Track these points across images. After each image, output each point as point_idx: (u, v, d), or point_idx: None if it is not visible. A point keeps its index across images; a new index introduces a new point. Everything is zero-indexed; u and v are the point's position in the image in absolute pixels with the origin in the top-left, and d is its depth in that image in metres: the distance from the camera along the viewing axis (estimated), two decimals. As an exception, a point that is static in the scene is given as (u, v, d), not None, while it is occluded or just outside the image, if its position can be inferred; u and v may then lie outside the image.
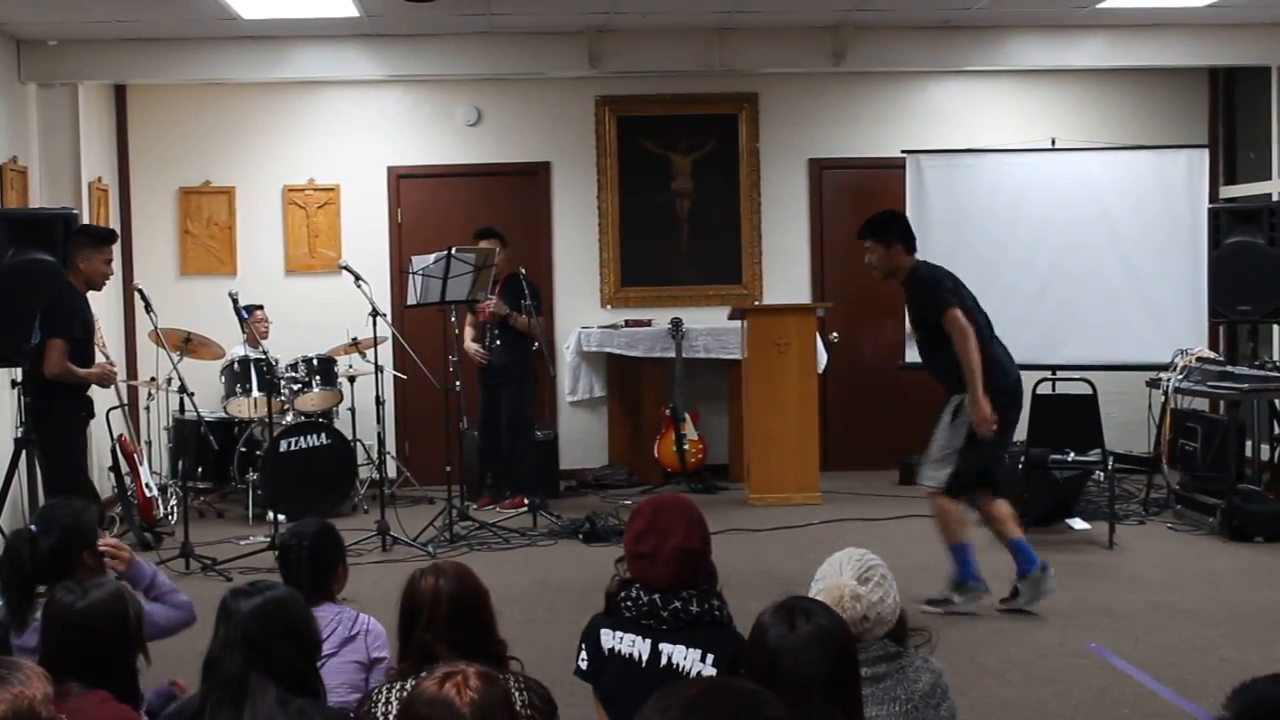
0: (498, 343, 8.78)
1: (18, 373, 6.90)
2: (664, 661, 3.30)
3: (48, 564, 3.77)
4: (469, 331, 9.00)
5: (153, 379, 8.72)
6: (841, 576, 2.97)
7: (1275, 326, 9.32)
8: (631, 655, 3.34)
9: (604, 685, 3.42)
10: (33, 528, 3.89)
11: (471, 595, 3.13)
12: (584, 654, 3.45)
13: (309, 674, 2.89)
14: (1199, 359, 8.22)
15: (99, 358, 6.83)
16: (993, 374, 6.00)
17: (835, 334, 9.91)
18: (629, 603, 3.37)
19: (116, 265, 7.39)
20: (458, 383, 8.04)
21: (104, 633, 3.06)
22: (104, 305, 8.81)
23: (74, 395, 6.65)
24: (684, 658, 3.29)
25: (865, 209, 10.13)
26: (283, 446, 8.36)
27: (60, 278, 6.70)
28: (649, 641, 3.33)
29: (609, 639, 3.40)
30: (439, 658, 3.03)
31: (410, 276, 8.06)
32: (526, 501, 8.52)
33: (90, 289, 6.80)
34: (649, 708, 1.90)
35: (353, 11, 8.15)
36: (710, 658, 3.28)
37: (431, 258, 7.89)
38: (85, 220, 8.43)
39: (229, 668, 2.78)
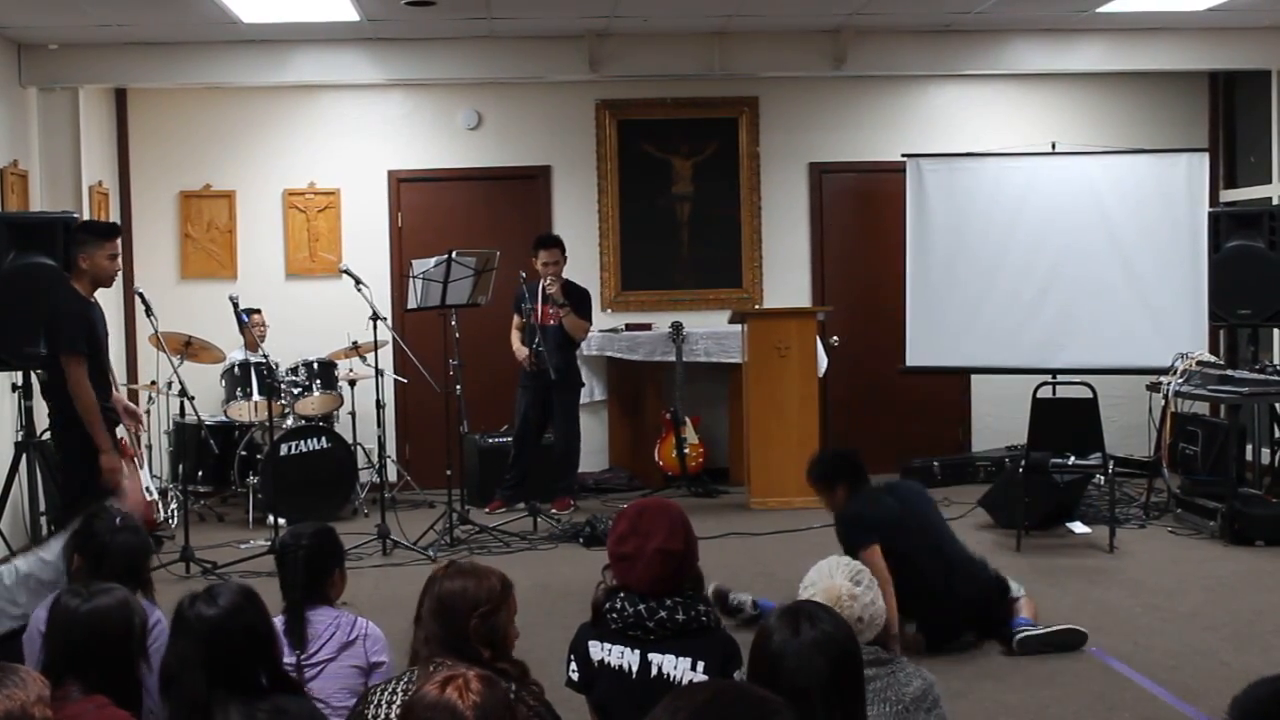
0: (541, 349, 8.60)
1: (18, 376, 6.89)
2: (654, 672, 3.30)
3: (118, 554, 3.83)
4: (515, 335, 8.99)
5: (153, 383, 8.73)
6: (834, 579, 3.05)
7: (1275, 330, 9.32)
8: (621, 667, 3.33)
9: (596, 696, 3.41)
10: (118, 519, 3.97)
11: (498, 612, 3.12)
12: (573, 665, 3.44)
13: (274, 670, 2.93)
14: (1199, 363, 8.21)
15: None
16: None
17: (836, 338, 9.90)
18: (614, 614, 3.36)
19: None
20: (458, 386, 8.03)
21: (107, 638, 3.06)
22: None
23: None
24: (674, 667, 3.28)
25: (866, 212, 10.29)
26: (283, 450, 8.36)
27: (61, 285, 6.47)
28: (638, 652, 3.32)
29: (597, 650, 3.38)
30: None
31: (410, 280, 8.07)
32: (573, 503, 8.85)
33: (98, 287, 6.43)
34: (660, 710, 1.90)
35: (353, 15, 8.15)
36: (700, 665, 3.28)
37: (432, 261, 7.90)
38: (86, 224, 8.43)
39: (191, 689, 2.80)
